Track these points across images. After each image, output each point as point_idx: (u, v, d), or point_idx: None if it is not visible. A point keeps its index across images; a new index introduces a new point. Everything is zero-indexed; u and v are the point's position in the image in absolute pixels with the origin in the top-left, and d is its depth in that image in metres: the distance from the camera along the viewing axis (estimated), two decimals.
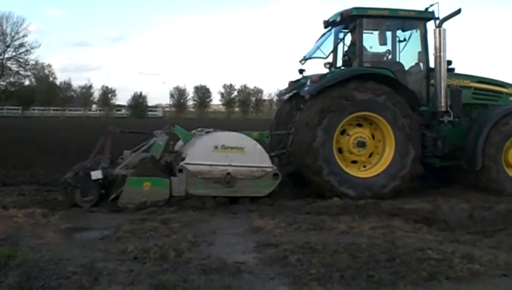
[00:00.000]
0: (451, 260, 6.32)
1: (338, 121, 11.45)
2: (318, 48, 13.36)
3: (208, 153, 10.62)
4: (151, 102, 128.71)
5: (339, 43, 13.36)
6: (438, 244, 7.14)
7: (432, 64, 12.55)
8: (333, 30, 13.44)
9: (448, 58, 12.46)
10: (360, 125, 11.91)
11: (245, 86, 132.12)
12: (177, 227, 8.18)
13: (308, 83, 12.06)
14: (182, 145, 11.92)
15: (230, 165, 10.59)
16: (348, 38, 13.23)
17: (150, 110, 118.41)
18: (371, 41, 12.74)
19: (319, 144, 11.26)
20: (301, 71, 13.15)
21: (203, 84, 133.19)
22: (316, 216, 9.14)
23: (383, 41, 12.55)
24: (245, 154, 10.72)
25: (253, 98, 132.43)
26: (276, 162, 11.46)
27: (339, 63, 13.45)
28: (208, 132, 11.82)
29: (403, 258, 6.37)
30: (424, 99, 12.57)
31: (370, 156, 11.98)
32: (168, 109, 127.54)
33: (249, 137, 11.24)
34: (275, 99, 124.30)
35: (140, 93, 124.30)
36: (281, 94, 15.31)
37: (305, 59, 13.24)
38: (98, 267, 5.95)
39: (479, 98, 13.28)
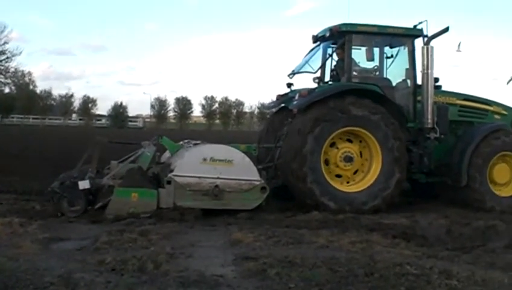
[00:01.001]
0: (429, 276, 6.35)
1: (330, 132, 11.55)
2: (306, 62, 13.50)
3: (196, 165, 10.65)
4: (131, 112, 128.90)
5: (327, 58, 13.48)
6: (416, 260, 7.18)
7: (419, 81, 12.71)
8: (322, 45, 13.56)
9: (435, 75, 12.68)
10: (350, 141, 12.01)
11: (226, 98, 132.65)
12: (156, 239, 8.16)
13: (296, 97, 12.20)
14: (169, 156, 11.95)
15: (218, 178, 10.63)
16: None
17: (131, 121, 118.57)
18: (359, 57, 12.86)
19: (308, 151, 11.34)
20: (289, 85, 13.22)
21: (184, 96, 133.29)
22: (295, 230, 9.16)
23: (370, 57, 12.65)
24: (233, 167, 10.76)
25: (234, 111, 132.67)
26: (264, 175, 11.49)
27: (327, 78, 13.59)
28: (196, 144, 11.82)
29: (382, 273, 6.40)
30: (411, 116, 12.72)
31: (355, 173, 12.04)
32: (148, 120, 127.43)
33: (237, 150, 11.26)
34: (255, 112, 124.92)
35: (121, 103, 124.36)
36: (269, 107, 15.34)
37: (293, 73, 13.39)
38: (76, 278, 5.94)
39: (465, 115, 13.47)
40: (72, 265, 6.56)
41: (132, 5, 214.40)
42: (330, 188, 11.49)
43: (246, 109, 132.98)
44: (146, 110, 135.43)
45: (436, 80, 12.80)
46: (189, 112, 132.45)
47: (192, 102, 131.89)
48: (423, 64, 12.57)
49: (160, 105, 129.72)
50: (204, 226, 9.60)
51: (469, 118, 13.50)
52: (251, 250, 7.64)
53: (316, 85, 13.24)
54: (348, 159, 11.82)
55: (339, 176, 11.94)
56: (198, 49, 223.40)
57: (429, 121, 12.47)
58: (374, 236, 8.78)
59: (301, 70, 13.41)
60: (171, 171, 10.65)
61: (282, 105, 13.34)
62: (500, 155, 12.61)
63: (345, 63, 12.47)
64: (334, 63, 13.53)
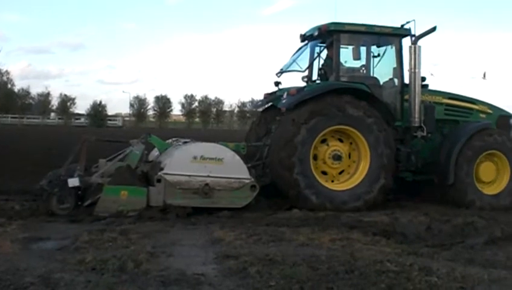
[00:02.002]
0: (409, 273, 6.39)
1: (324, 127, 11.66)
2: (294, 61, 13.56)
3: (186, 163, 10.68)
4: (110, 111, 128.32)
5: (316, 57, 13.53)
6: (396, 257, 7.23)
7: (406, 80, 12.83)
8: (309, 44, 13.64)
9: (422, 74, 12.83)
10: (341, 140, 12.10)
11: (206, 97, 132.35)
12: (136, 238, 8.15)
13: (285, 96, 12.28)
14: (157, 155, 11.96)
15: (208, 176, 10.66)
16: (324, 52, 13.42)
17: (110, 120, 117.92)
18: (347, 56, 12.95)
19: (299, 142, 11.42)
20: (277, 84, 13.29)
21: (163, 94, 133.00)
22: (276, 228, 9.18)
23: (357, 56, 12.76)
24: (224, 165, 10.80)
25: (214, 109, 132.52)
26: (253, 173, 11.52)
27: (315, 77, 13.66)
28: (186, 143, 11.83)
29: (362, 271, 6.44)
30: (398, 114, 12.85)
31: (340, 173, 12.14)
32: (127, 119, 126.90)
33: (227, 148, 11.28)
34: (235, 111, 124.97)
35: (100, 102, 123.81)
36: (256, 106, 15.37)
37: (281, 72, 13.46)
38: (56, 278, 5.92)
39: (451, 114, 13.63)
40: (52, 265, 6.54)
41: (112, 3, 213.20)
42: (315, 182, 11.57)
43: (226, 108, 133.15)
44: (125, 109, 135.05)
45: (423, 79, 12.94)
46: (168, 110, 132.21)
47: (171, 100, 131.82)
48: (410, 64, 12.70)
49: (139, 104, 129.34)
50: (185, 225, 9.60)
51: (455, 116, 13.65)
52: (232, 248, 7.65)
53: (304, 84, 13.33)
54: (337, 158, 11.91)
55: (324, 173, 12.01)
56: (178, 48, 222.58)
57: (416, 119, 12.63)
58: (354, 234, 8.84)
59: (289, 69, 13.48)
60: (161, 169, 10.66)
61: (270, 104, 13.42)
62: (486, 154, 12.76)
63: (333, 62, 12.56)
64: (321, 61, 13.59)
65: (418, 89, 12.63)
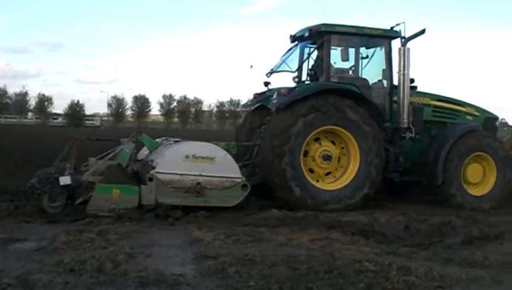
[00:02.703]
0: (388, 272, 6.41)
1: (320, 124, 11.74)
2: (284, 61, 13.61)
3: (178, 162, 10.68)
4: (88, 111, 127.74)
5: (307, 58, 13.57)
6: (375, 256, 7.26)
7: (395, 82, 12.94)
8: (299, 45, 13.70)
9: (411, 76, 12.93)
10: (334, 143, 12.18)
11: (185, 97, 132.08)
12: (114, 239, 8.10)
13: (275, 96, 12.24)
14: (147, 153, 11.98)
15: (200, 175, 10.66)
16: (315, 53, 13.46)
17: (88, 119, 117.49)
18: (337, 57, 13.00)
19: (294, 133, 11.50)
20: (266, 84, 13.32)
21: (142, 94, 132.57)
22: (254, 228, 9.18)
23: (345, 58, 12.85)
24: (215, 164, 10.82)
25: (193, 109, 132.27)
26: (245, 172, 11.52)
27: (304, 77, 13.71)
28: (177, 142, 11.82)
29: (341, 270, 6.46)
30: (387, 115, 12.93)
31: (327, 174, 12.21)
32: (105, 118, 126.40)
33: (219, 147, 11.29)
34: (214, 111, 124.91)
35: (78, 102, 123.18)
36: (246, 106, 15.39)
37: (271, 72, 13.48)
38: (34, 279, 5.89)
39: (439, 115, 13.74)
40: (30, 266, 6.50)
41: (91, 3, 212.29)
42: (301, 175, 11.63)
43: (205, 108, 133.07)
44: (103, 109, 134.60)
45: (412, 80, 13.02)
46: (147, 110, 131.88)
47: (150, 100, 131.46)
48: (400, 65, 12.79)
49: (117, 103, 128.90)
50: (163, 225, 9.55)
51: (442, 118, 13.78)
52: (211, 249, 7.64)
53: (294, 84, 13.29)
54: (326, 158, 11.99)
55: (311, 171, 12.07)
56: (156, 47, 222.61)
57: (405, 121, 12.73)
58: (333, 233, 8.86)
59: (279, 70, 13.52)
60: (153, 168, 10.65)
61: (259, 104, 13.45)
62: (475, 155, 12.91)
63: (324, 63, 12.64)
64: (312, 62, 13.63)
65: (406, 90, 12.72)
